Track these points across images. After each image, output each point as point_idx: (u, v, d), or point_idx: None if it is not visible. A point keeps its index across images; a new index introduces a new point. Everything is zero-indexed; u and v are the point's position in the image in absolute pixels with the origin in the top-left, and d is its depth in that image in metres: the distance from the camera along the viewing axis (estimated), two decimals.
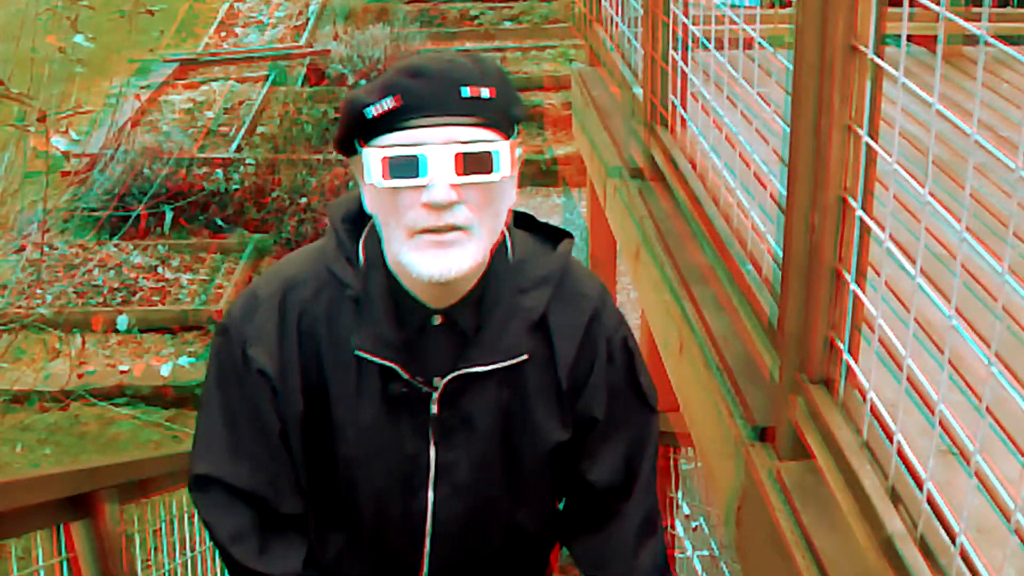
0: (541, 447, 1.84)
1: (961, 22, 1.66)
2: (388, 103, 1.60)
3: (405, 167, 1.59)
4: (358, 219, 1.78)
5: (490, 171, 1.60)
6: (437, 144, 1.58)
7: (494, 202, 1.65)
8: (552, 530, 2.03)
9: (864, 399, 1.99)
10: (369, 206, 1.70)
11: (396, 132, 1.60)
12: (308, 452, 1.82)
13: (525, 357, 1.76)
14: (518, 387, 1.78)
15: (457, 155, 1.58)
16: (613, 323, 1.87)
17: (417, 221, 1.61)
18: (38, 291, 8.09)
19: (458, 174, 1.58)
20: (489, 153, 1.60)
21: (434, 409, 1.76)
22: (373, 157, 1.60)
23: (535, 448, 1.84)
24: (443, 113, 1.59)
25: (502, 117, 1.64)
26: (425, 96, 1.60)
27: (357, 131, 1.65)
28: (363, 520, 1.86)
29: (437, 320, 1.74)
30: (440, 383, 1.75)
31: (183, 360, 7.52)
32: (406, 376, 1.74)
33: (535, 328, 1.78)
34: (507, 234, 1.77)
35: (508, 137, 1.64)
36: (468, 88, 1.60)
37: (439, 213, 1.60)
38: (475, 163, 1.59)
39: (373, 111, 1.61)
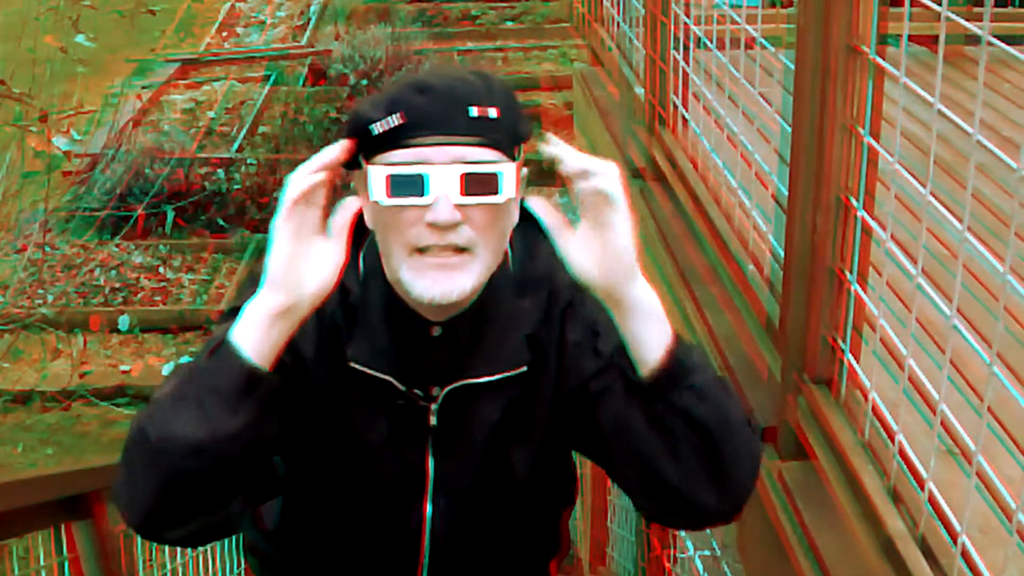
0: (541, 457, 1.82)
1: (963, 21, 1.66)
2: (393, 120, 1.57)
3: (408, 185, 1.56)
4: (358, 228, 1.74)
5: (495, 192, 1.57)
6: (441, 164, 1.55)
7: (498, 223, 1.61)
8: (552, 540, 2.02)
9: (865, 399, 1.99)
10: (369, 222, 1.66)
11: (400, 149, 1.57)
12: (301, 464, 1.80)
13: (524, 369, 1.74)
14: (517, 396, 1.75)
15: (461, 175, 1.55)
16: (582, 303, 1.74)
17: (419, 239, 1.58)
18: (39, 291, 8.09)
19: (462, 194, 1.55)
20: (494, 174, 1.57)
21: (433, 421, 1.73)
22: (376, 174, 1.57)
23: (535, 458, 1.81)
24: (448, 132, 1.56)
25: (508, 138, 1.60)
26: (430, 114, 1.57)
27: (361, 146, 1.61)
28: (359, 533, 1.84)
29: (436, 332, 1.70)
30: (439, 394, 1.72)
31: (184, 360, 7.51)
32: (403, 388, 1.71)
33: (532, 336, 1.75)
34: (508, 248, 1.75)
35: (513, 158, 1.62)
36: (475, 108, 1.57)
37: (442, 232, 1.57)
38: (479, 184, 1.56)
39: (377, 128, 1.57)
